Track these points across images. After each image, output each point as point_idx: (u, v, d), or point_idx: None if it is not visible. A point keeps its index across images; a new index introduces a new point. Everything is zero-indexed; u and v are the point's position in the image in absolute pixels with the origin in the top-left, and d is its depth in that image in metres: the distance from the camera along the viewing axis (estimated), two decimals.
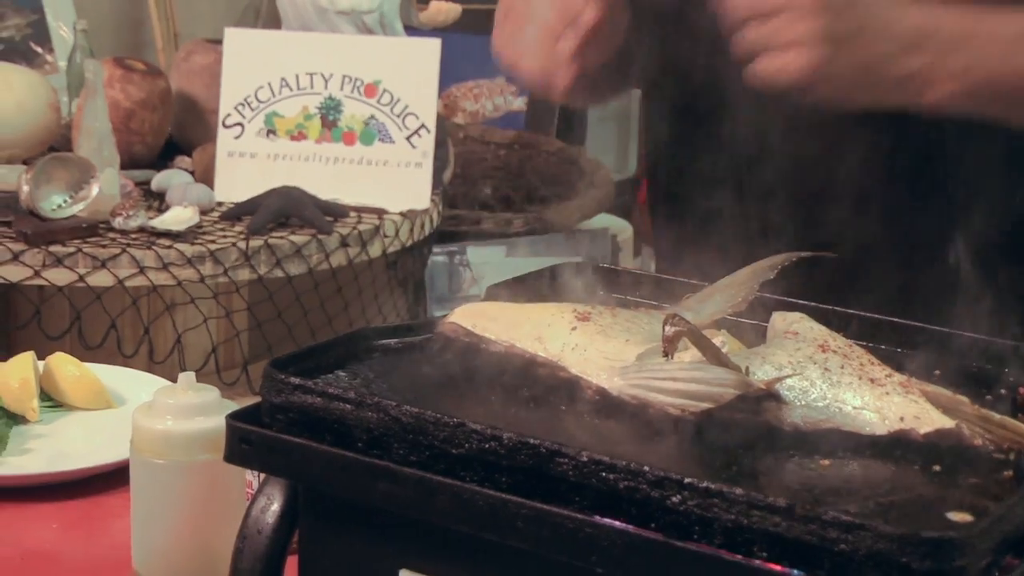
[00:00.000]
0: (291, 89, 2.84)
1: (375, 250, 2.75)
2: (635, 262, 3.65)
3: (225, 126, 2.82)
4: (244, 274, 2.60)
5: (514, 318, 1.09)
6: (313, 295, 2.77)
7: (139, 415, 1.19)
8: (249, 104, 2.83)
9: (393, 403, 0.97)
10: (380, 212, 2.79)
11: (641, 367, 1.02)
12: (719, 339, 1.06)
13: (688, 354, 1.03)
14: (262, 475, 1.05)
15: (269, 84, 2.84)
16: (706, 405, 0.98)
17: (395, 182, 2.83)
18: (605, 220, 3.64)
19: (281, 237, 2.64)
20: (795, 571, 0.85)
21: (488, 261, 3.35)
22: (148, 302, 2.62)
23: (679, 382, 0.99)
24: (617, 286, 1.28)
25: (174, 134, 3.03)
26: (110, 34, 3.61)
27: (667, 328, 0.98)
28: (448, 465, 0.95)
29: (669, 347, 0.98)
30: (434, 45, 2.83)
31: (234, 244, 2.59)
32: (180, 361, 2.63)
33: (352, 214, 2.77)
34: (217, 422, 1.03)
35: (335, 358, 1.08)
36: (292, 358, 1.05)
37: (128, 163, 2.81)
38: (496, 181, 3.57)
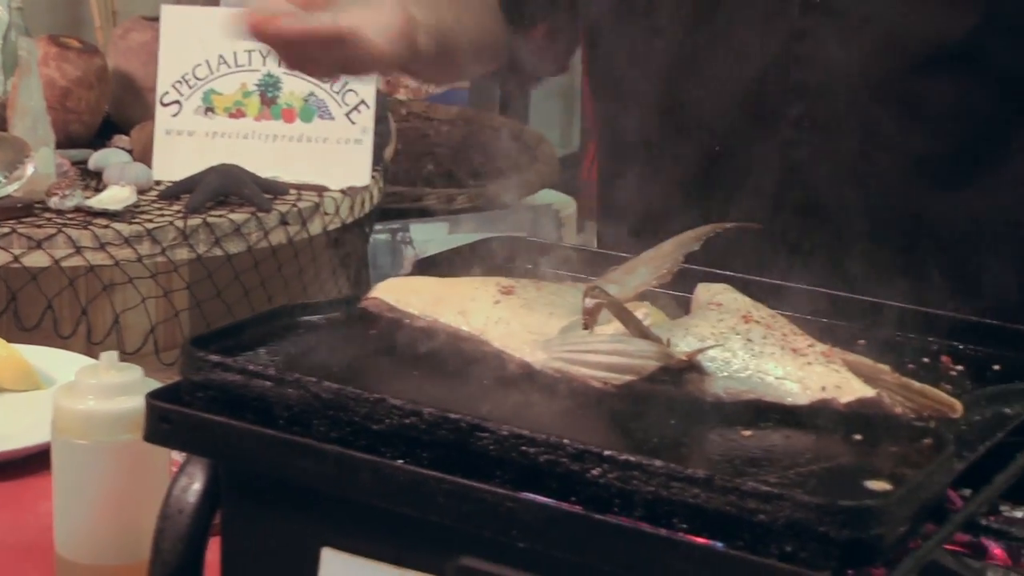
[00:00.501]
0: (229, 66, 2.82)
1: (315, 228, 2.73)
2: (579, 238, 3.65)
3: (163, 104, 2.80)
4: (183, 253, 2.58)
5: (437, 293, 1.09)
6: (253, 274, 2.75)
7: (61, 395, 1.18)
8: (187, 82, 2.81)
9: (313, 379, 0.96)
10: (320, 189, 2.77)
11: (564, 340, 1.01)
12: (642, 311, 1.06)
13: (611, 327, 1.02)
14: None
15: (207, 61, 2.81)
16: (628, 377, 0.98)
17: (335, 159, 2.81)
18: (549, 196, 3.63)
19: (220, 215, 2.62)
20: (715, 542, 0.85)
21: (431, 238, 3.34)
22: (85, 282, 2.59)
23: (601, 355, 0.98)
24: (545, 259, 1.27)
25: (111, 113, 3.01)
26: (46, 12, 3.58)
27: (587, 300, 0.97)
28: (369, 441, 0.94)
29: (589, 319, 0.98)
30: None
31: (172, 223, 2.57)
32: (119, 342, 2.60)
33: (292, 191, 2.75)
34: (140, 402, 1.01)
35: (257, 335, 1.07)
36: (213, 336, 1.05)
37: (64, 142, 2.78)
38: (439, 157, 3.55)
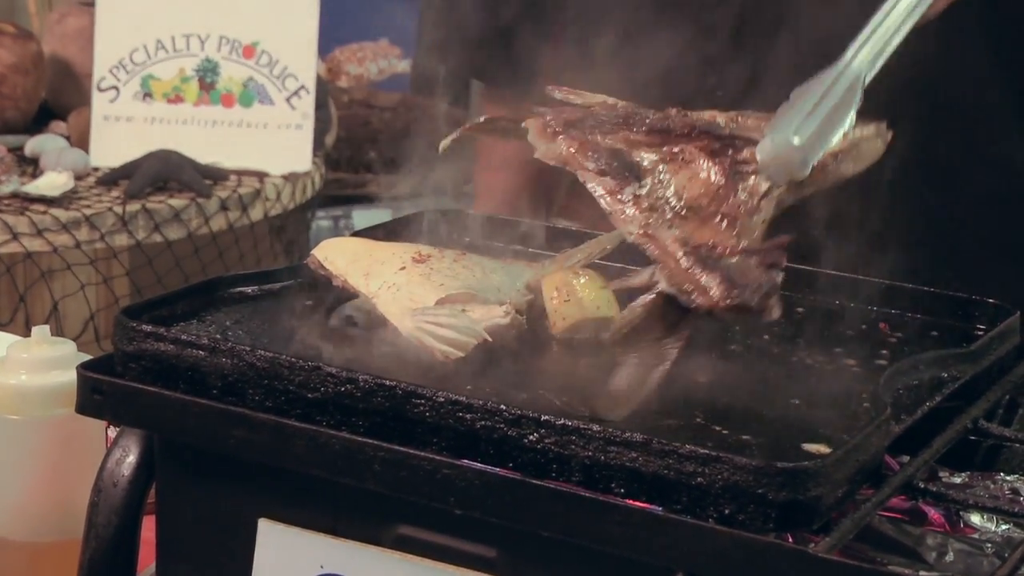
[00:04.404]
0: (167, 51, 2.80)
1: (256, 213, 2.72)
2: None
3: (100, 89, 2.78)
4: (122, 239, 2.56)
5: (358, 254, 1.09)
6: (194, 260, 2.73)
7: None
8: (124, 67, 2.79)
9: (247, 348, 0.95)
10: (261, 175, 2.76)
11: (425, 311, 1.00)
12: (584, 278, 1.06)
13: (482, 310, 1.02)
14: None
15: (144, 46, 2.79)
16: (458, 353, 0.98)
17: (275, 144, 2.79)
18: None
19: (159, 201, 2.60)
20: (654, 506, 0.85)
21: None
22: (23, 269, 2.57)
23: (443, 328, 0.99)
24: (492, 232, 1.27)
25: (49, 99, 2.98)
26: None
27: None
28: (304, 410, 0.93)
29: None
30: (312, 4, 2.80)
31: (111, 209, 2.54)
32: (58, 329, 2.58)
33: (232, 177, 2.74)
34: (73, 376, 1.00)
35: (191, 306, 1.06)
36: (145, 306, 1.03)
37: (1, 128, 2.76)
38: (381, 144, 3.54)
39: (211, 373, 0.96)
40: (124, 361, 0.99)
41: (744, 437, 0.91)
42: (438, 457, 0.89)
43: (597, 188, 0.98)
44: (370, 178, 3.38)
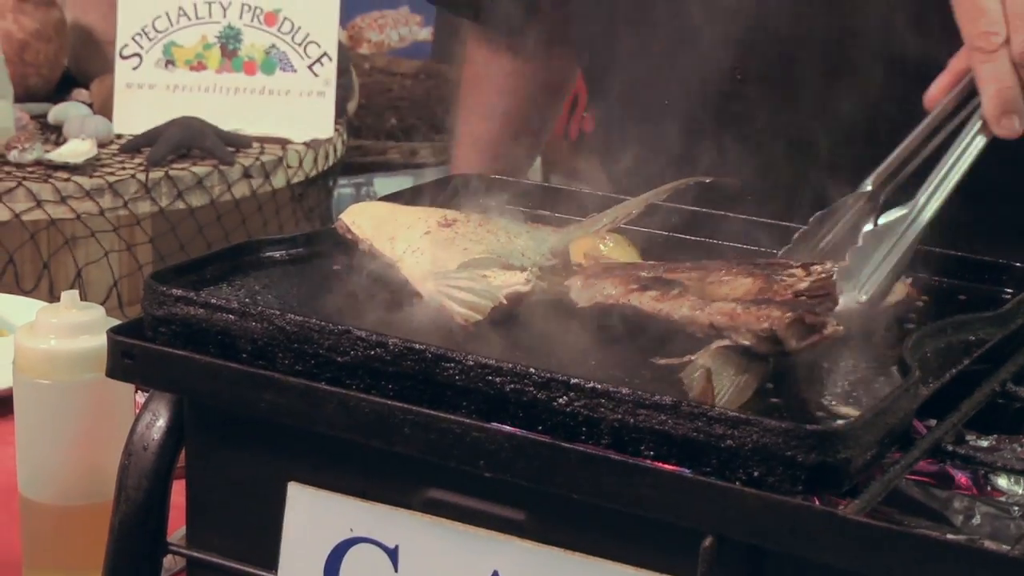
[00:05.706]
0: (189, 18, 2.80)
1: (279, 181, 2.72)
2: None
3: (122, 57, 2.78)
4: (145, 206, 2.57)
5: (384, 218, 1.10)
6: (217, 227, 2.74)
7: (22, 335, 1.16)
8: (147, 34, 2.79)
9: (277, 312, 0.95)
10: (283, 142, 2.76)
11: (446, 275, 1.01)
12: (610, 243, 1.06)
13: (507, 275, 1.02)
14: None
15: (167, 13, 2.79)
16: (476, 316, 0.98)
17: (298, 111, 2.79)
18: None
19: (182, 168, 2.61)
20: (683, 469, 0.85)
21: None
22: (47, 236, 2.57)
23: (463, 292, 0.99)
24: (518, 198, 1.27)
25: (71, 66, 2.98)
26: None
27: None
28: (334, 373, 0.94)
29: None
30: None
31: (134, 176, 2.55)
32: (82, 296, 2.58)
33: (254, 144, 2.74)
34: (102, 340, 1.00)
35: (220, 270, 1.07)
36: (175, 270, 1.04)
37: (24, 96, 2.76)
38: (402, 111, 3.54)
39: (241, 337, 0.96)
40: (154, 325, 0.99)
41: (773, 400, 0.91)
42: (468, 420, 0.89)
43: (644, 300, 0.99)
44: (392, 145, 3.37)
